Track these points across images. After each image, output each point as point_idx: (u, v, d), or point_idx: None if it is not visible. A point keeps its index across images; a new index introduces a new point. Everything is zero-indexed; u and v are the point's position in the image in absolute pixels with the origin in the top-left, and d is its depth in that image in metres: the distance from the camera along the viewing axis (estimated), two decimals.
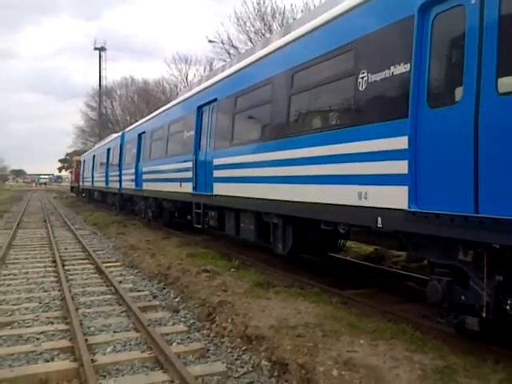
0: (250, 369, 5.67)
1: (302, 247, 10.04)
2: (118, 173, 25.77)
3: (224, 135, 11.91)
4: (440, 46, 5.74)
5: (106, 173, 30.03)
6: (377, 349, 5.43)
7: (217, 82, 12.85)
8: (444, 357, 5.20)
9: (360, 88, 6.86)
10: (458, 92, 5.40)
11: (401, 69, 6.10)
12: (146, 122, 21.72)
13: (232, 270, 10.22)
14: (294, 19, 30.14)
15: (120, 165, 25.47)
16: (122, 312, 7.92)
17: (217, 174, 12.06)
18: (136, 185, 21.42)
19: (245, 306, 7.25)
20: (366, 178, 6.67)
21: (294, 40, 8.94)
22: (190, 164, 13.94)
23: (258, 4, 37.21)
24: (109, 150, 29.95)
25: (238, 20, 38.40)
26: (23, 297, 8.90)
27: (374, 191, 6.53)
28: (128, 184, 23.22)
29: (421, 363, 5.01)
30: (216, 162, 12.12)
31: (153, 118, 20.44)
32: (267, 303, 7.41)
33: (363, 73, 6.79)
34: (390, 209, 6.20)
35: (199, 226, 14.01)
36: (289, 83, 8.89)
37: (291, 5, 47.07)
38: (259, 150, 9.90)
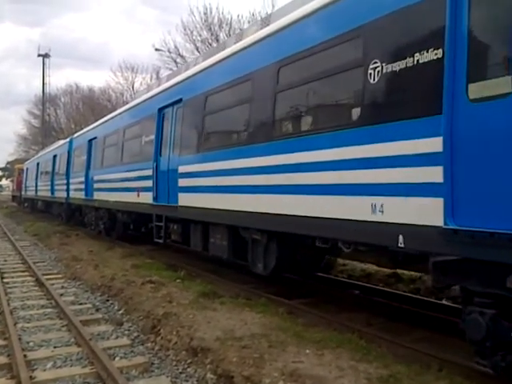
0: (195, 382, 5.55)
1: (286, 267, 9.07)
2: (65, 181, 24.24)
3: (191, 140, 10.75)
4: (483, 24, 4.84)
5: (52, 181, 28.36)
6: (322, 358, 5.44)
7: (182, 81, 11.66)
8: (388, 365, 5.25)
9: (371, 81, 5.89)
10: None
11: (429, 56, 5.14)
12: (97, 126, 20.29)
13: (177, 280, 10.08)
14: (240, 29, 30.31)
15: (68, 173, 23.92)
16: (63, 326, 7.66)
17: (183, 182, 10.89)
18: (86, 194, 20.06)
19: (190, 318, 7.15)
20: (381, 188, 5.68)
21: (282, 29, 7.94)
22: (149, 172, 12.72)
23: (205, 14, 37.41)
24: (55, 156, 28.34)
25: (184, 29, 38.47)
26: None
27: (392, 203, 5.53)
28: (77, 193, 21.83)
29: (366, 372, 5.04)
30: (182, 169, 10.94)
31: (105, 122, 18.99)
32: (213, 314, 7.33)
33: (375, 63, 5.85)
34: (416, 225, 5.18)
35: (160, 241, 12.76)
36: (274, 79, 7.87)
37: (238, 15, 47.51)
38: (237, 155, 8.74)
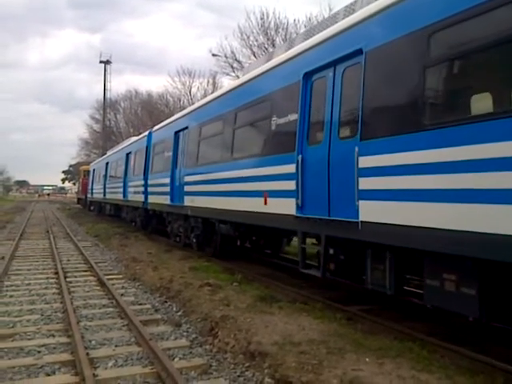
0: None
1: None
2: (142, 182, 20.78)
3: (392, 112, 6.67)
4: None
5: (125, 183, 24.87)
6: (383, 367, 5.35)
7: (366, 19, 7.29)
8: (451, 377, 5.11)
9: None
10: None
11: None
12: (188, 114, 16.24)
13: (234, 284, 10.14)
14: (296, 34, 30.37)
15: (146, 173, 20.42)
16: (124, 325, 7.84)
17: (368, 184, 6.87)
18: (172, 199, 16.48)
19: (248, 321, 7.17)
20: None
21: None
22: (288, 168, 8.93)
23: (262, 19, 37.82)
24: (128, 154, 24.92)
25: (241, 34, 39.04)
26: (25, 309, 8.84)
27: None
28: (158, 197, 18.30)
29: (427, 383, 4.93)
30: (366, 162, 6.89)
31: (201, 107, 15.08)
32: (270, 318, 7.33)
33: None
34: None
35: (315, 274, 8.71)
36: None
37: (294, 20, 47.53)
38: None
